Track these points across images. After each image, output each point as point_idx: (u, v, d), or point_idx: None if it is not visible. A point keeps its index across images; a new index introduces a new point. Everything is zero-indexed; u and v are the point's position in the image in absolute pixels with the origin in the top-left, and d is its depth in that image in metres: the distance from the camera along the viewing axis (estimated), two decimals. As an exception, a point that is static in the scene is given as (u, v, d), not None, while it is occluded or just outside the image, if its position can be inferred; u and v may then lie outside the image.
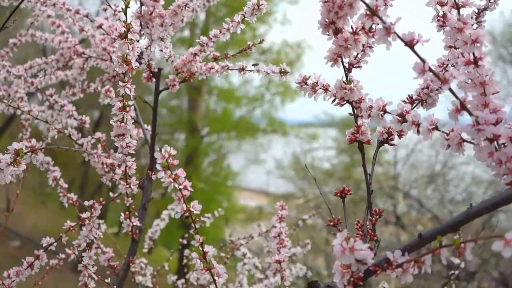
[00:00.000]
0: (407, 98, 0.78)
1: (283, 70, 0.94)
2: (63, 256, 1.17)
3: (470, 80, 0.63)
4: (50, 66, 1.27)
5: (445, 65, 0.78)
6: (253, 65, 1.04)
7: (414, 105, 0.78)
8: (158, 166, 0.69)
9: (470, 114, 0.58)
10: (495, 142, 0.58)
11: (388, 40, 0.57)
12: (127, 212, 1.07)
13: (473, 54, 0.61)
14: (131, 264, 1.09)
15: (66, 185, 1.19)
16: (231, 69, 1.08)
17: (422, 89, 0.78)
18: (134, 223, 1.07)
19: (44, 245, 1.02)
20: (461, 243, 0.50)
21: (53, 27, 1.28)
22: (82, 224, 1.06)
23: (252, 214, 11.38)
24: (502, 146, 0.59)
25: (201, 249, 0.73)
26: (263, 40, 1.13)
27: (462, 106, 0.58)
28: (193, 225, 0.73)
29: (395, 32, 0.57)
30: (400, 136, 0.76)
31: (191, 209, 0.71)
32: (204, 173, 12.05)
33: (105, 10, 1.18)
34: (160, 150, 0.69)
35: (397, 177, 6.50)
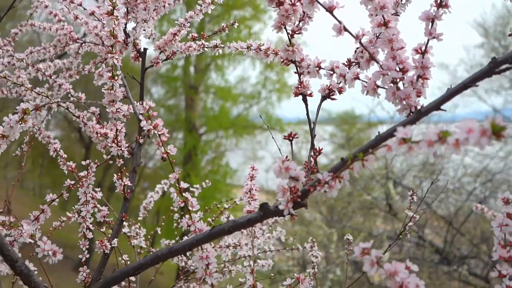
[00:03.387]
0: (346, 61, 0.95)
1: (249, 46, 1.09)
2: (70, 214, 1.34)
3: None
4: (47, 51, 1.44)
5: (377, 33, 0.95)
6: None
7: (352, 66, 0.94)
8: (141, 119, 0.85)
9: (377, 62, 0.74)
10: (398, 85, 0.75)
11: (311, 7, 0.73)
12: (119, 173, 1.23)
13: (383, 17, 0.77)
14: (124, 220, 1.25)
15: (65, 155, 1.35)
16: (206, 47, 1.24)
17: (359, 52, 0.94)
18: (126, 183, 1.23)
19: (47, 200, 1.18)
20: (365, 155, 0.66)
21: (50, 16, 1.45)
22: (80, 186, 1.22)
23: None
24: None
25: (177, 185, 0.89)
26: (235, 21, 1.29)
27: (371, 57, 0.75)
28: (170, 165, 0.89)
29: (317, 0, 0.73)
30: (340, 92, 0.93)
31: (168, 151, 0.87)
32: (202, 171, 12.20)
33: None
34: (142, 104, 0.85)
35: (388, 166, 6.68)
